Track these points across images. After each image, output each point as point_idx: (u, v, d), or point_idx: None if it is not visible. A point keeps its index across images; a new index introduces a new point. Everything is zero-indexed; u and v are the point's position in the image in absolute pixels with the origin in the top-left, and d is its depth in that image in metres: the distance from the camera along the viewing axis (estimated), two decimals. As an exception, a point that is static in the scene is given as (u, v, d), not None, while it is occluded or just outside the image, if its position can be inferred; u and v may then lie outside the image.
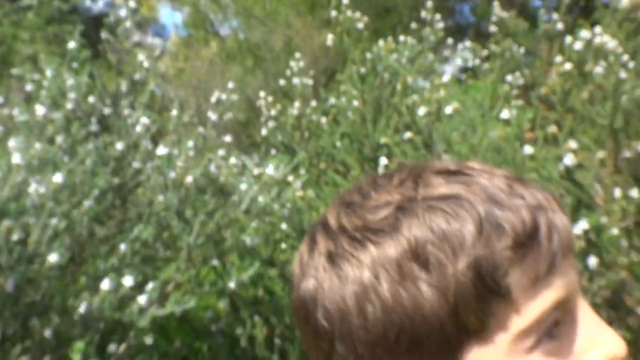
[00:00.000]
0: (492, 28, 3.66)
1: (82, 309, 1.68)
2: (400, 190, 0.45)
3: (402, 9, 9.07)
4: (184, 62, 11.30)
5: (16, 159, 1.76)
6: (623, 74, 2.37)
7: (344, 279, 0.43)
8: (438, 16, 3.95)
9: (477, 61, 3.75)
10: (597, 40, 2.47)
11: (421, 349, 0.41)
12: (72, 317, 1.70)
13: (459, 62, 4.28)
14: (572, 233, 0.44)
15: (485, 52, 4.03)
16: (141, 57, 2.90)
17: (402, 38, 3.75)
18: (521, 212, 0.41)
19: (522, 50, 3.93)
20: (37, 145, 1.88)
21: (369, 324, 0.42)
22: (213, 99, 3.43)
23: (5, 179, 1.82)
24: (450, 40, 4.09)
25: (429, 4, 3.95)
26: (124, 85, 2.85)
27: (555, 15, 3.39)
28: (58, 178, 1.85)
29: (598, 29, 2.60)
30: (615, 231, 2.03)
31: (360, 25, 3.53)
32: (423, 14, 3.92)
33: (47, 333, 1.78)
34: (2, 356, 1.89)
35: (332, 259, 0.45)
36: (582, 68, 2.56)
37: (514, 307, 0.41)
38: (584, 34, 2.63)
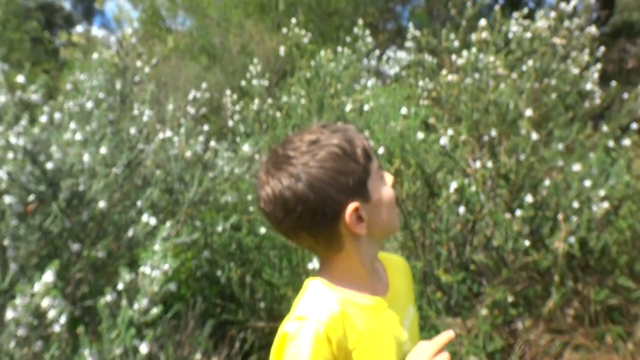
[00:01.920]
0: (409, 43, 4.71)
1: (130, 233, 2.58)
2: (311, 135, 0.97)
3: (343, 12, 10.14)
4: (138, 57, 11.86)
5: (77, 136, 2.63)
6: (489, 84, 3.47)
7: (320, 170, 0.93)
8: (367, 31, 4.98)
9: (398, 69, 4.80)
10: (472, 57, 3.55)
11: (358, 185, 0.97)
12: (122, 240, 2.59)
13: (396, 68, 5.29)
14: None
15: (405, 60, 5.08)
16: (140, 62, 3.77)
17: (339, 49, 4.74)
18: (363, 137, 1.02)
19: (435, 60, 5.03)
20: (88, 128, 2.75)
21: (339, 185, 0.94)
22: (190, 97, 4.31)
23: (64, 151, 2.68)
24: (377, 52, 5.11)
25: (360, 21, 4.98)
26: (118, 84, 3.71)
27: (453, 35, 4.48)
28: (103, 150, 2.74)
29: (474, 49, 3.67)
30: (473, 188, 3.09)
31: (305, 40, 4.51)
32: (355, 30, 4.93)
33: (100, 254, 2.66)
34: (65, 273, 2.76)
35: (308, 165, 0.94)
36: (463, 78, 3.64)
37: (373, 162, 1.00)
38: (465, 53, 3.71)
